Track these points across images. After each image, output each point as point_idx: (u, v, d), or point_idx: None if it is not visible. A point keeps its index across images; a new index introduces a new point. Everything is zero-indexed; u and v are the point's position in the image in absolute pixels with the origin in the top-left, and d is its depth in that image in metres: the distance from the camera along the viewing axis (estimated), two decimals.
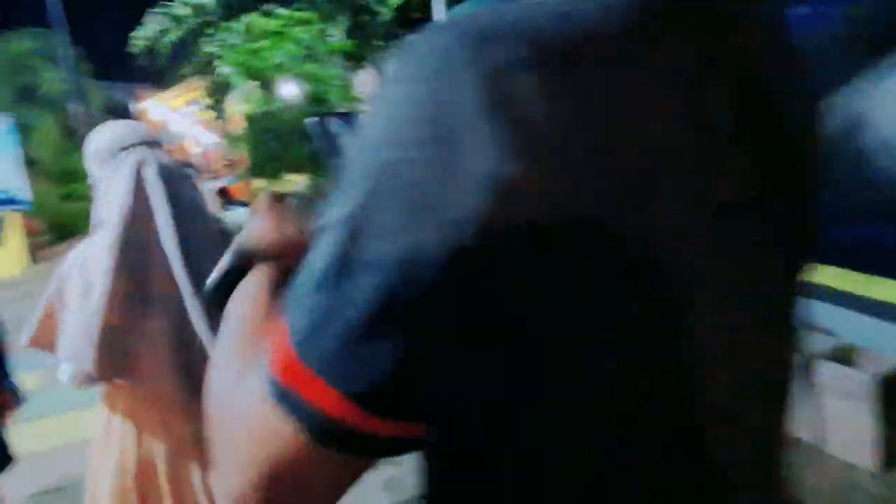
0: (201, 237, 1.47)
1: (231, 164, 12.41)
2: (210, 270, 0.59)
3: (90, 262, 1.41)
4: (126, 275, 1.39)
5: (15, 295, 6.69)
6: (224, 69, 4.95)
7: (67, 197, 11.83)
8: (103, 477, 1.52)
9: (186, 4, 6.85)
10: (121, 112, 14.84)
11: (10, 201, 9.95)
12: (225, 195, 7.44)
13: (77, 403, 2.58)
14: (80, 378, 1.38)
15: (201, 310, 1.44)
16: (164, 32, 7.35)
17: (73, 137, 11.67)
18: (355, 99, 5.48)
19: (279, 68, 4.48)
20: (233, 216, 6.97)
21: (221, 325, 0.47)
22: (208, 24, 6.50)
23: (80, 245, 1.47)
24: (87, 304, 1.38)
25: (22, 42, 10.95)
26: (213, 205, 7.60)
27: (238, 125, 6.30)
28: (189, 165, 5.49)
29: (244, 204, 7.41)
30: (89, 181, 1.49)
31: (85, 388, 1.42)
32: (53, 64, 11.35)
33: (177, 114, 12.61)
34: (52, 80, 11.04)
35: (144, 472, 1.50)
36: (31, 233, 10.10)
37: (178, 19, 6.98)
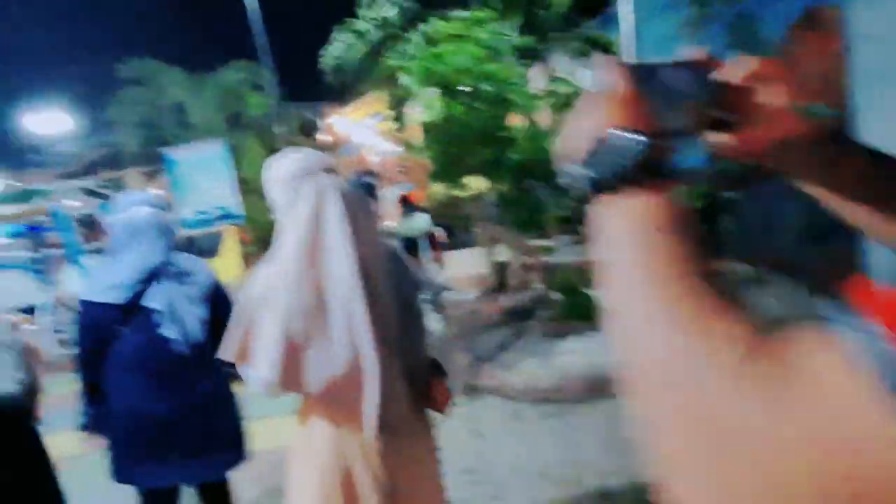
0: (375, 258, 1.57)
1: (407, 170, 12.90)
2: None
3: (274, 282, 1.50)
4: (307, 293, 1.47)
5: (234, 299, 7.59)
6: (405, 79, 5.09)
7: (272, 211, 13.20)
8: (305, 485, 1.56)
9: (371, 20, 7.22)
10: (311, 129, 16.26)
11: (228, 216, 11.30)
12: (406, 202, 7.74)
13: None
14: (269, 388, 1.48)
15: (388, 323, 1.54)
16: (350, 49, 7.81)
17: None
18: (535, 97, 5.37)
19: (461, 71, 4.49)
20: (413, 221, 7.25)
21: (617, 265, 0.42)
22: (391, 38, 6.79)
23: (265, 266, 1.56)
24: (271, 320, 1.46)
25: (232, 74, 12.44)
26: (394, 211, 7.95)
27: (417, 133, 6.49)
28: (370, 174, 5.74)
29: (424, 210, 7.66)
30: (270, 205, 1.60)
31: (277, 397, 1.52)
32: (257, 91, 12.73)
33: (358, 125, 13.47)
34: (257, 105, 12.37)
35: (345, 480, 1.53)
36: (244, 243, 11.41)
37: (362, 34, 7.39)
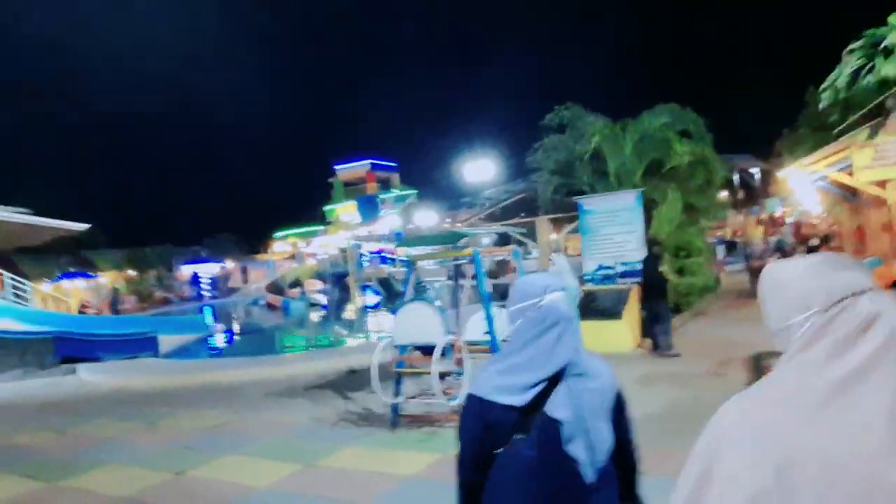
0: None
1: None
2: None
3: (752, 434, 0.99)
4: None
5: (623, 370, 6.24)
6: None
7: (679, 272, 11.62)
8: None
9: None
10: (744, 182, 14.16)
11: (631, 273, 10.09)
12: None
13: None
14: None
15: None
16: (861, 72, 5.78)
17: (706, 210, 11.59)
18: None
19: None
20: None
21: None
22: None
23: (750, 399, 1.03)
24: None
25: (655, 119, 11.36)
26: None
27: None
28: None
29: None
30: (772, 326, 1.08)
31: None
32: (684, 138, 11.35)
33: (812, 179, 10.82)
34: (681, 153, 10.99)
35: None
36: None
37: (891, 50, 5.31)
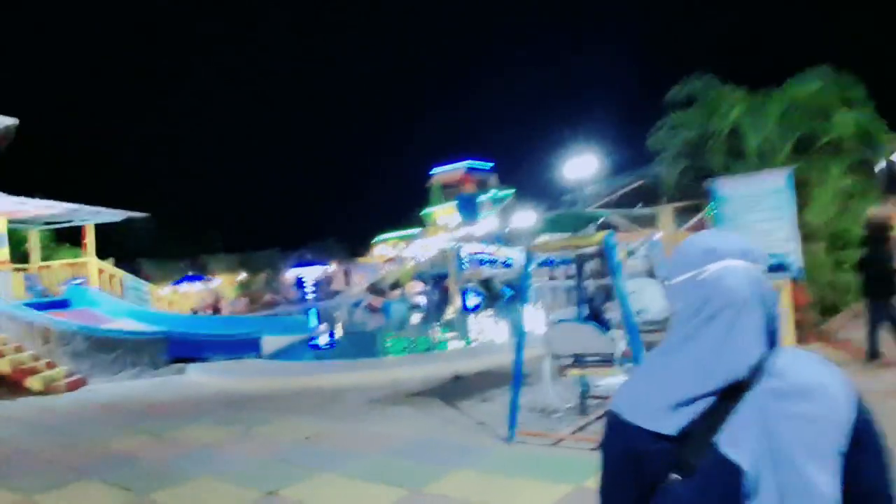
0: None
1: None
2: None
3: None
4: None
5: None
6: None
7: (837, 266, 9.85)
8: None
9: None
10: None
11: (781, 267, 8.57)
12: None
13: None
14: None
15: None
16: None
17: (863, 194, 9.71)
18: None
19: None
20: None
21: None
22: None
23: None
24: None
25: (806, 85, 9.69)
26: None
27: None
28: None
29: None
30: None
31: None
32: (845, 106, 9.59)
33: None
34: (844, 124, 9.28)
35: None
36: (798, 307, 8.48)
37: None
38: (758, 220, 8.93)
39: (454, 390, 8.60)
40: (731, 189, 9.15)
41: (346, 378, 10.11)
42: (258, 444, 6.76)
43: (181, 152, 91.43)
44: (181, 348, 14.11)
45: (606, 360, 5.38)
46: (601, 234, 5.29)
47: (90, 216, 17.64)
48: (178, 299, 22.25)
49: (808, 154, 9.63)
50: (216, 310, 28.90)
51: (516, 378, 5.81)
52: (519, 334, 5.82)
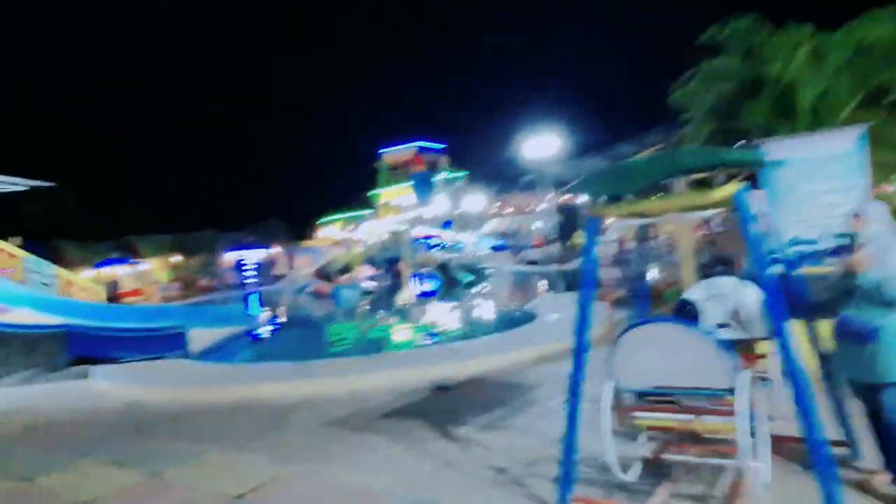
0: None
1: None
2: None
3: None
4: None
5: None
6: None
7: None
8: None
9: None
10: None
11: (846, 249, 6.82)
12: None
13: None
14: None
15: None
16: None
17: None
18: None
19: None
20: None
21: None
22: None
23: None
24: None
25: (877, 25, 7.96)
26: None
27: None
28: None
29: None
30: None
31: None
32: None
33: None
34: None
35: None
36: None
37: None
38: (820, 191, 7.17)
39: (440, 408, 6.53)
40: (788, 152, 7.34)
41: (294, 388, 7.88)
42: (168, 502, 4.51)
43: (107, 121, 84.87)
44: (87, 345, 11.47)
45: (716, 396, 3.33)
46: (730, 188, 3.28)
47: None
48: (91, 286, 19.20)
49: (877, 110, 7.93)
50: (114, 298, 24.66)
51: (571, 418, 3.75)
52: (581, 341, 3.74)
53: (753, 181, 7.84)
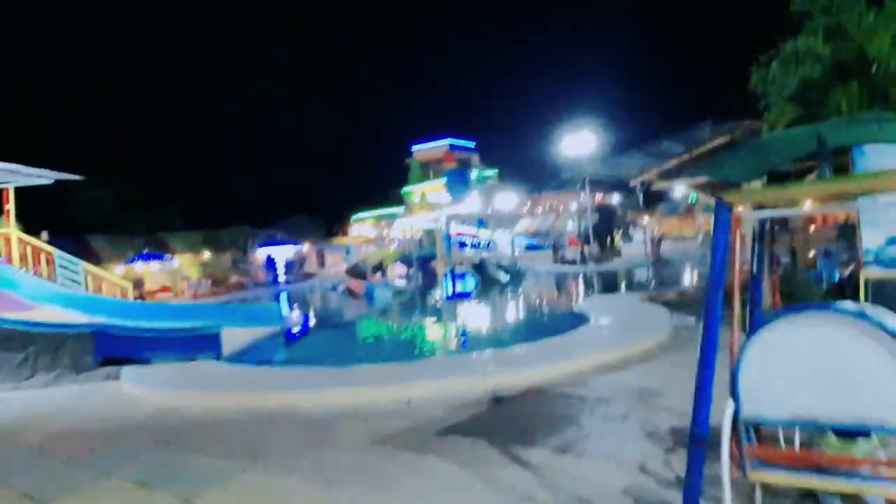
0: None
1: None
2: None
3: None
4: None
5: None
6: None
7: None
8: None
9: None
10: None
11: None
12: None
13: None
14: None
15: None
16: None
17: None
18: None
19: None
20: None
21: None
22: None
23: None
24: None
25: None
26: None
27: None
28: None
29: None
30: None
31: None
32: None
33: None
34: None
35: None
36: None
37: None
38: None
39: (501, 425, 5.78)
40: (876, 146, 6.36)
41: (338, 396, 7.20)
42: None
43: (141, 118, 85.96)
44: (117, 346, 10.95)
45: None
46: None
47: (4, 176, 14.19)
48: (121, 282, 18.85)
49: None
50: (142, 296, 23.29)
51: (695, 445, 2.95)
52: (707, 359, 2.93)
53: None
